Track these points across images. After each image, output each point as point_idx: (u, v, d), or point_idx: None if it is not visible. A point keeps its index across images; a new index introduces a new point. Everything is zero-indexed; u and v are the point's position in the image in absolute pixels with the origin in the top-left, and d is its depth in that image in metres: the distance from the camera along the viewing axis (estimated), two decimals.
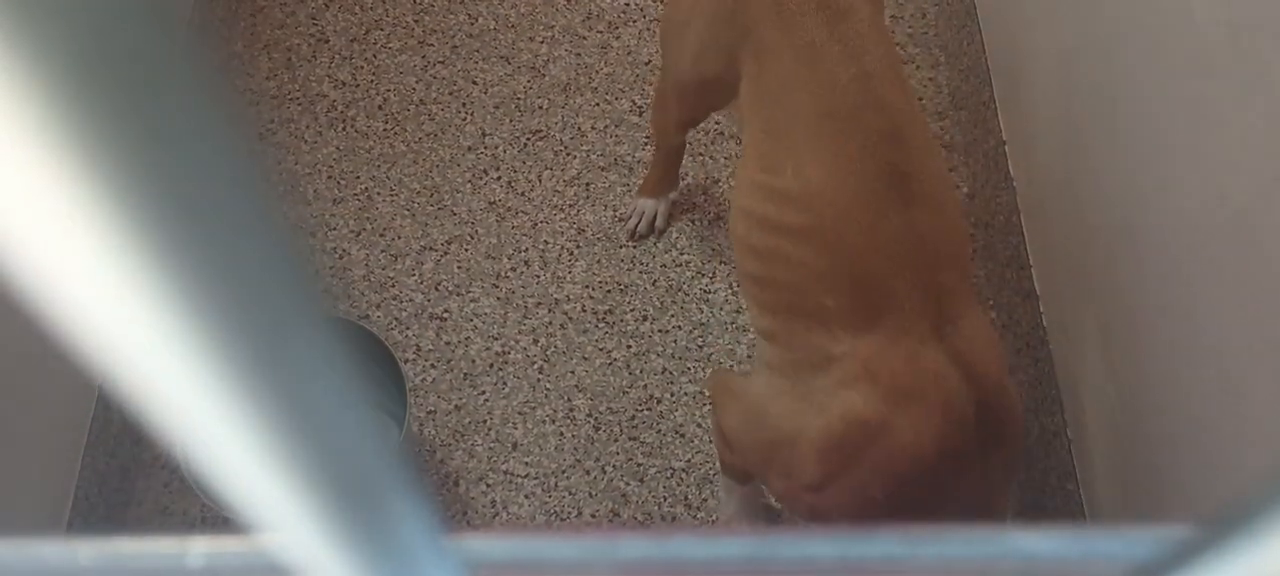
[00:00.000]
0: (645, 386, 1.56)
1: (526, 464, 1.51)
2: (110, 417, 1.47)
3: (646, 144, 1.75)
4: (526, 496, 1.50)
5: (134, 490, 1.51)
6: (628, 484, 1.50)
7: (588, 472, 1.51)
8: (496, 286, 1.64)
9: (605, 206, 1.70)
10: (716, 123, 1.76)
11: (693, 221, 1.69)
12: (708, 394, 1.52)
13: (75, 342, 0.12)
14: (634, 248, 1.67)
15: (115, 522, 1.47)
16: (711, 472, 1.50)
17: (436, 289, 1.64)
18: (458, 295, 1.63)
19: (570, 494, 1.50)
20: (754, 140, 1.16)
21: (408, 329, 1.61)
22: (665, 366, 1.58)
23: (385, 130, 1.77)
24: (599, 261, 1.66)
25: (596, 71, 1.82)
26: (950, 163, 1.72)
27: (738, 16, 1.17)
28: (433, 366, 1.58)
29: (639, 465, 1.51)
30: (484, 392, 1.56)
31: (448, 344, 1.60)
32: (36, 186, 0.10)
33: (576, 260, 1.66)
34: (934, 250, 1.04)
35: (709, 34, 1.23)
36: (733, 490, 1.39)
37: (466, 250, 1.67)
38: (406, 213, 1.70)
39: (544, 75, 1.82)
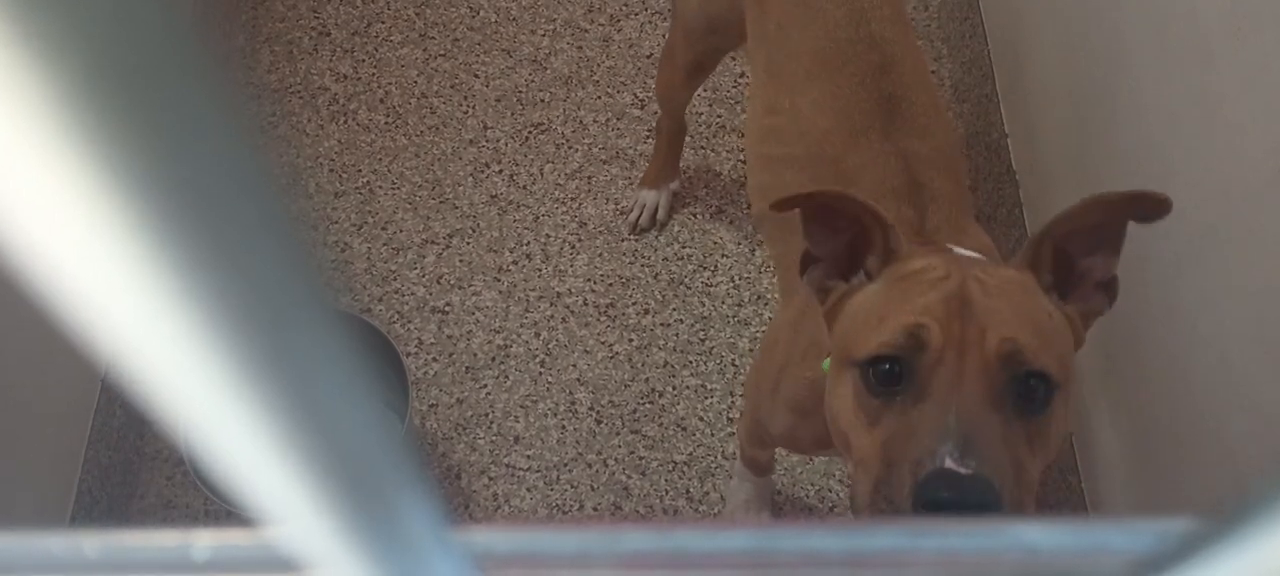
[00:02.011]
0: (647, 380, 1.56)
1: (528, 457, 1.52)
2: (113, 411, 1.47)
3: (648, 137, 1.74)
4: (528, 489, 1.50)
5: (137, 483, 1.51)
6: (629, 477, 1.50)
7: (589, 466, 1.51)
8: (498, 280, 1.64)
9: (607, 199, 1.70)
10: (718, 115, 1.76)
11: (694, 214, 1.69)
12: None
13: (81, 336, 0.12)
14: (635, 241, 1.67)
15: (118, 516, 1.47)
16: (713, 466, 1.51)
17: (438, 282, 1.64)
18: (459, 289, 1.63)
19: (572, 487, 1.50)
20: (758, 82, 1.19)
21: (409, 322, 1.61)
22: (667, 360, 1.58)
23: (387, 124, 1.77)
24: (600, 255, 1.66)
25: (598, 65, 1.82)
26: None
27: None
28: (434, 360, 1.58)
29: (641, 458, 1.51)
30: (486, 386, 1.56)
31: (449, 337, 1.60)
32: (42, 180, 0.10)
33: (578, 253, 1.66)
34: (917, 169, 1.04)
35: None
36: (746, 478, 1.40)
37: (468, 244, 1.67)
38: (408, 206, 1.70)
39: (546, 68, 1.82)
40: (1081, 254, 0.84)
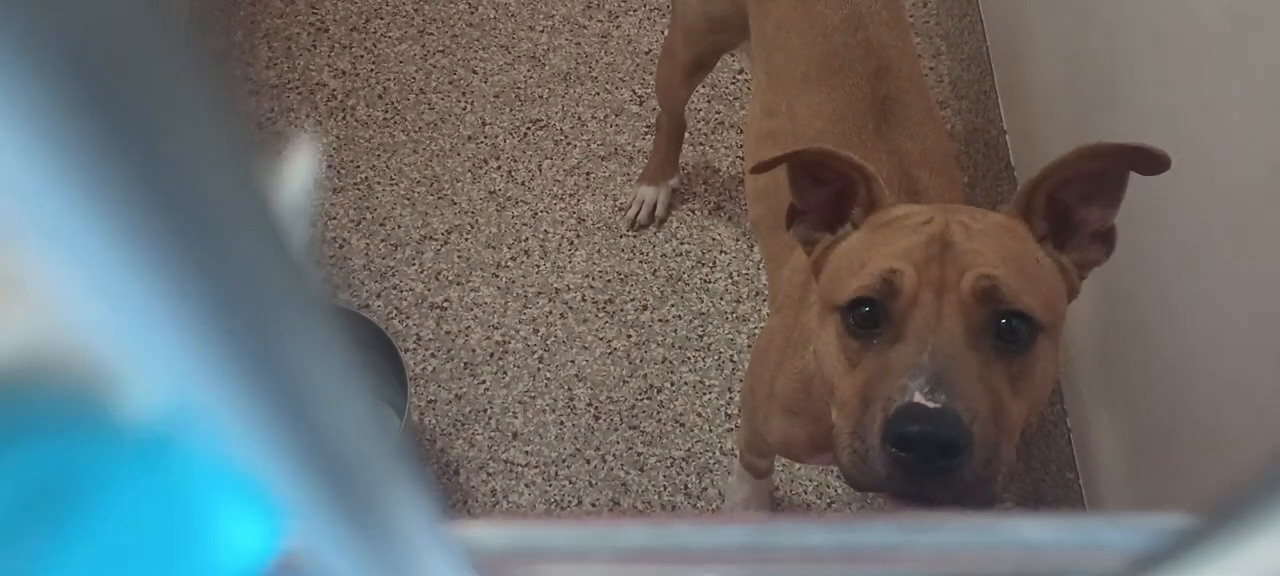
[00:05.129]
0: (645, 376, 1.56)
1: (527, 453, 1.52)
2: None
3: (647, 133, 1.74)
4: (527, 485, 1.50)
5: None
6: (628, 472, 1.50)
7: (588, 461, 1.51)
8: (496, 276, 1.64)
9: (605, 196, 1.70)
10: (716, 112, 1.76)
11: (693, 211, 1.69)
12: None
13: (74, 333, 0.12)
14: (634, 237, 1.67)
15: None
16: (711, 461, 1.51)
17: (436, 278, 1.64)
18: (458, 284, 1.63)
19: (570, 483, 1.50)
20: (759, 87, 1.19)
21: (408, 318, 1.61)
22: (665, 356, 1.58)
23: (385, 119, 1.77)
24: (599, 251, 1.66)
25: (597, 61, 1.82)
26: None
27: None
28: (433, 356, 1.58)
29: (639, 454, 1.51)
30: (484, 382, 1.56)
31: (448, 333, 1.60)
32: (35, 177, 0.10)
33: (576, 250, 1.66)
34: (909, 167, 1.05)
35: None
36: (745, 479, 1.40)
37: (466, 240, 1.67)
38: (406, 202, 1.70)
39: (544, 65, 1.82)
40: (1078, 203, 0.84)
